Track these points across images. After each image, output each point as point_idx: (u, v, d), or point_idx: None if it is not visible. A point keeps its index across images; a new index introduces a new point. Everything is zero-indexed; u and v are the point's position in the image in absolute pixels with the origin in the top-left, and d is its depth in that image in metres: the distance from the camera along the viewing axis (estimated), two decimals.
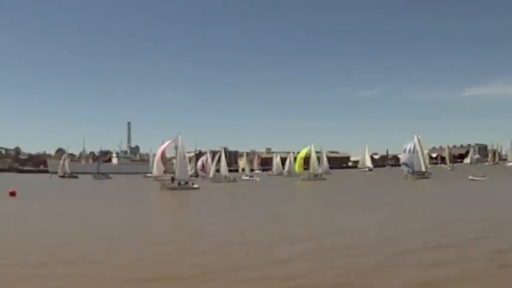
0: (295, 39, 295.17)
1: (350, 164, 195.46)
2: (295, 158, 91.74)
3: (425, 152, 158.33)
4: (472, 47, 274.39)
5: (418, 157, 67.44)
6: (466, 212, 27.03)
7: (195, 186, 57.67)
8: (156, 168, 59.17)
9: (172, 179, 57.04)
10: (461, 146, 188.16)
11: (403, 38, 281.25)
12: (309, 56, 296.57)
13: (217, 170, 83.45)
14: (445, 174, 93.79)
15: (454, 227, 20.35)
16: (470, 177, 63.63)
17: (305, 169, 79.57)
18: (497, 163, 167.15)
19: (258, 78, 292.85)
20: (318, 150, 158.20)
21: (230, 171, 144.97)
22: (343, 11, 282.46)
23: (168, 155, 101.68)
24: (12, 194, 44.79)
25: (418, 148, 67.91)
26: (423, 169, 67.80)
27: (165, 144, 59.64)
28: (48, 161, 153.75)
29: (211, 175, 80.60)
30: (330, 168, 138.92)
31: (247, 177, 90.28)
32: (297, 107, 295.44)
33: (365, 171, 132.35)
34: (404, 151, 68.42)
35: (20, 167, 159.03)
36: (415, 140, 68.80)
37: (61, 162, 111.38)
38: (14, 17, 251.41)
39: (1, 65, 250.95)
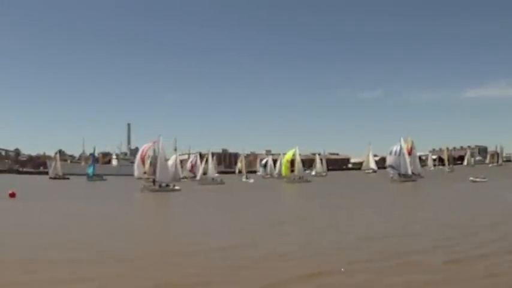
0: (295, 41, 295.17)
1: (350, 165, 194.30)
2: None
3: (429, 154, 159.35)
4: (473, 49, 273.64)
5: (404, 159, 66.63)
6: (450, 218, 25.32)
7: (176, 188, 57.74)
8: (137, 169, 59.17)
9: (154, 181, 57.08)
10: (461, 147, 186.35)
11: (403, 40, 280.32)
12: (309, 57, 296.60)
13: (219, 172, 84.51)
14: (443, 176, 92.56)
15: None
16: (471, 178, 63.05)
17: (292, 171, 79.11)
18: (500, 164, 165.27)
19: (258, 80, 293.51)
20: (317, 152, 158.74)
21: (229, 173, 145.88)
22: (343, 13, 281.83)
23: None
24: (12, 195, 45.15)
25: (404, 150, 67.13)
26: (409, 172, 66.96)
27: (145, 145, 59.70)
28: (48, 163, 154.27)
29: (198, 177, 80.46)
30: (330, 170, 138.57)
31: (246, 180, 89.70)
32: (297, 109, 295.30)
33: (369, 173, 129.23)
34: (390, 153, 67.68)
35: (20, 169, 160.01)
36: (401, 142, 68.06)
37: (53, 163, 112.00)
38: (13, 18, 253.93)
39: (1, 66, 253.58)
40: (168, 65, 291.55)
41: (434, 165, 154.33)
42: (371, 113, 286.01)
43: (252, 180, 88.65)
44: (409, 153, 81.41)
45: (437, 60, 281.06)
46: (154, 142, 58.87)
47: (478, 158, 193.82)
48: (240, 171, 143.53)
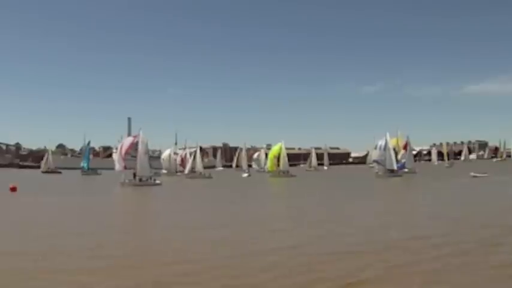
0: (296, 36, 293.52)
1: (350, 160, 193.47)
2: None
3: (433, 149, 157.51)
4: (473, 44, 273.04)
5: (389, 154, 65.81)
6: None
7: (157, 182, 57.76)
8: (117, 164, 59.20)
9: (134, 175, 57.08)
10: (462, 142, 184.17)
11: (404, 35, 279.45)
12: (310, 52, 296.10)
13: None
14: (441, 171, 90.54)
15: None
16: (471, 173, 62.18)
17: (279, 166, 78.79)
18: (504, 159, 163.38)
19: (260, 75, 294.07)
20: (317, 146, 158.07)
21: (230, 167, 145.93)
22: (344, 8, 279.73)
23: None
24: (13, 189, 44.10)
25: (389, 145, 66.31)
26: (394, 167, 66.15)
27: (127, 140, 59.72)
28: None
29: (186, 171, 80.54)
30: (330, 164, 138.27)
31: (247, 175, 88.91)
32: (297, 103, 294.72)
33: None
34: (376, 148, 66.90)
35: (21, 163, 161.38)
36: (387, 137, 67.16)
37: (45, 157, 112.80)
38: (13, 13, 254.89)
39: (1, 61, 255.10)
40: (169, 59, 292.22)
41: (439, 160, 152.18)
42: (371, 107, 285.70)
43: (245, 175, 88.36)
44: (405, 149, 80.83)
45: (437, 55, 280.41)
46: (135, 136, 58.88)
47: (480, 153, 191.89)
48: (237, 166, 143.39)
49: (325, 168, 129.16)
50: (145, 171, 57.31)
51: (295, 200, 37.01)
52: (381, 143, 66.23)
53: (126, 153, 59.79)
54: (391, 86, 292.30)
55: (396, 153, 78.36)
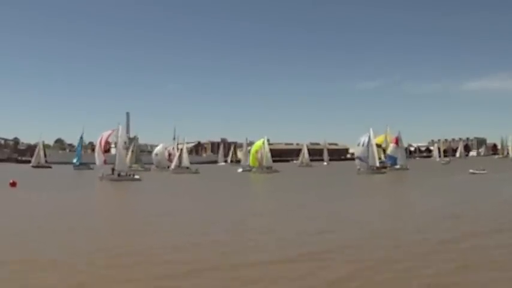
0: (295, 32, 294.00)
1: (348, 156, 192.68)
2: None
3: (435, 145, 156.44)
4: (473, 42, 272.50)
5: (372, 151, 65.18)
6: None
7: (136, 177, 57.77)
8: (97, 158, 59.37)
9: (113, 170, 57.25)
10: (460, 139, 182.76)
11: (403, 32, 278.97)
12: (309, 48, 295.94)
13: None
14: (435, 168, 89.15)
15: None
16: (470, 170, 62.17)
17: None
18: (505, 156, 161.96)
19: (259, 71, 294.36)
20: (317, 142, 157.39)
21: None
22: (343, 5, 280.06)
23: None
24: (13, 184, 43.19)
25: (372, 142, 65.69)
26: (377, 164, 65.64)
27: (105, 134, 59.78)
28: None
29: (173, 166, 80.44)
30: (330, 160, 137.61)
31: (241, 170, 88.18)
32: (296, 99, 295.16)
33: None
34: (358, 145, 66.23)
35: (19, 157, 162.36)
36: (370, 133, 66.53)
37: (36, 152, 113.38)
38: (13, 8, 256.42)
39: (0, 56, 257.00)
40: (170, 55, 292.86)
41: (428, 156, 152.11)
42: (370, 103, 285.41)
43: (240, 170, 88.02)
44: (396, 144, 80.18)
45: (437, 52, 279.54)
46: (113, 130, 58.99)
47: (480, 150, 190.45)
48: (232, 161, 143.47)
49: (325, 164, 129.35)
50: (123, 166, 57.48)
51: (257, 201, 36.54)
52: (364, 139, 65.57)
53: (105, 146, 60.12)
54: (390, 82, 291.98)
55: (384, 150, 78.11)
